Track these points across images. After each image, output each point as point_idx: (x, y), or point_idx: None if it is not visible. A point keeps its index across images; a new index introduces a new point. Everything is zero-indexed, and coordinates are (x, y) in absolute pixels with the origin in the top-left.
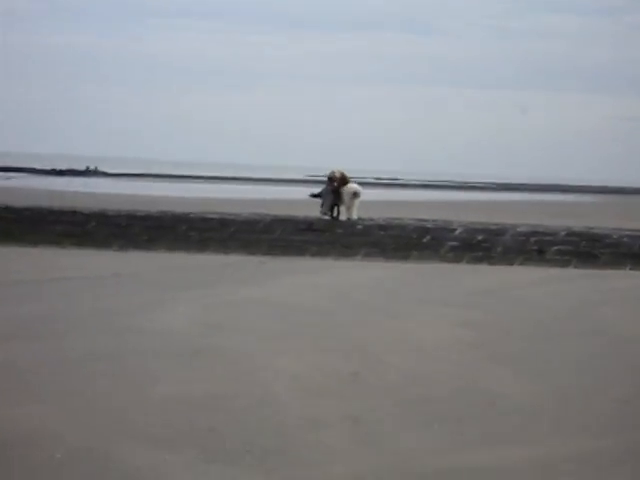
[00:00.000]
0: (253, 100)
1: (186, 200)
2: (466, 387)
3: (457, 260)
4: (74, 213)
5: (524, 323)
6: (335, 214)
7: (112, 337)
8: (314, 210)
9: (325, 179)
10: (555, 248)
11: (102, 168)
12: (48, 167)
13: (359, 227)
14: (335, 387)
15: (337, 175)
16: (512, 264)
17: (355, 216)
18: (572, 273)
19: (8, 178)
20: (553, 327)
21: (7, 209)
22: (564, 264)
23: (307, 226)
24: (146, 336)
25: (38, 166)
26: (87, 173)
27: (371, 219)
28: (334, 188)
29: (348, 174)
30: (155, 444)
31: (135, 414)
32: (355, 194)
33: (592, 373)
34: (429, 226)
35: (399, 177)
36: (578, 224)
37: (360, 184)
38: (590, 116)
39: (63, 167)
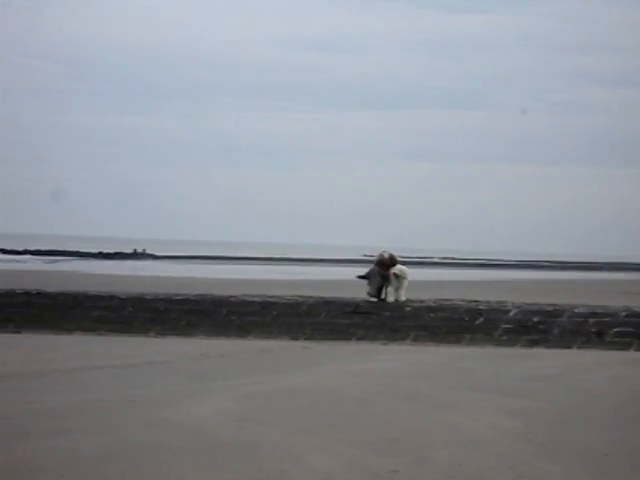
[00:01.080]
0: (306, 179)
1: (230, 282)
2: None
3: (511, 344)
4: (111, 298)
5: (580, 412)
6: (383, 296)
7: (137, 431)
8: (361, 291)
9: (373, 259)
10: (615, 330)
11: (150, 250)
12: (95, 250)
13: (408, 309)
14: None
15: (386, 256)
16: (570, 347)
17: (403, 297)
18: (633, 356)
19: (53, 262)
20: (613, 417)
21: (40, 295)
22: (625, 347)
23: (353, 308)
24: (173, 430)
25: (86, 249)
26: (135, 256)
27: (421, 301)
28: (382, 270)
29: (398, 255)
30: None
31: None
32: (403, 275)
33: None
34: (482, 307)
35: (455, 256)
36: (636, 304)
37: (405, 264)
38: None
39: (111, 250)
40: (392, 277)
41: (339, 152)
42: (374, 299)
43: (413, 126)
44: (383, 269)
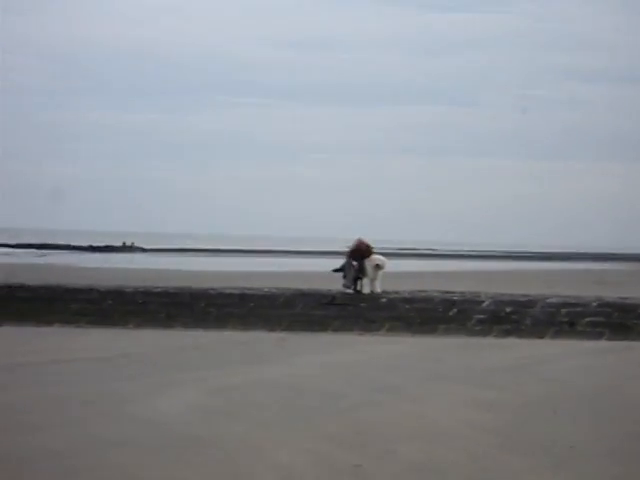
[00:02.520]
0: (289, 174)
1: (213, 274)
2: None
3: (485, 334)
4: (90, 291)
5: (550, 403)
6: (358, 287)
7: (104, 427)
8: (337, 283)
9: (347, 249)
10: (587, 320)
11: (139, 244)
12: (86, 244)
13: (383, 300)
14: None
15: (364, 243)
16: (542, 337)
17: (379, 289)
18: (604, 346)
19: (42, 255)
20: (582, 407)
21: (22, 288)
22: (596, 336)
23: (329, 300)
24: (140, 425)
25: (76, 243)
26: (123, 249)
27: (396, 292)
28: (358, 259)
29: (373, 244)
30: None
31: None
32: (378, 266)
33: (625, 461)
34: (456, 298)
35: (432, 247)
36: (610, 294)
37: (384, 255)
38: (620, 183)
39: (101, 243)
40: (368, 268)
41: (324, 147)
42: (350, 291)
43: (396, 122)
44: (359, 258)
